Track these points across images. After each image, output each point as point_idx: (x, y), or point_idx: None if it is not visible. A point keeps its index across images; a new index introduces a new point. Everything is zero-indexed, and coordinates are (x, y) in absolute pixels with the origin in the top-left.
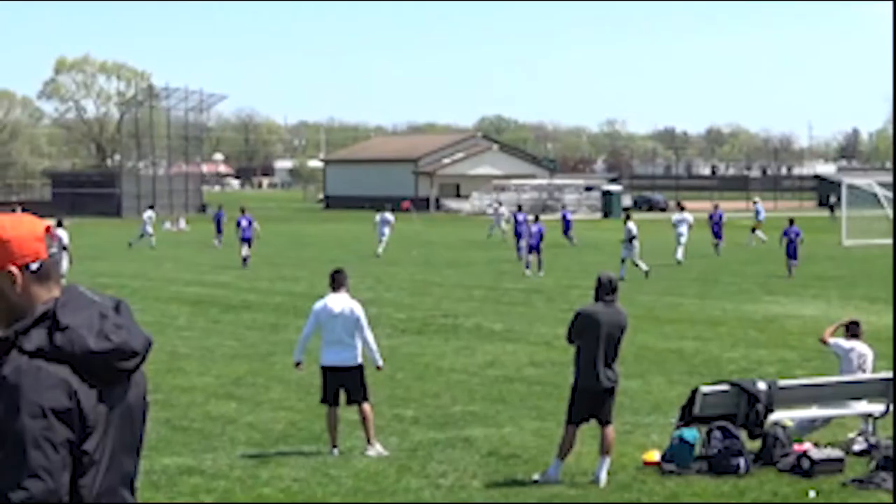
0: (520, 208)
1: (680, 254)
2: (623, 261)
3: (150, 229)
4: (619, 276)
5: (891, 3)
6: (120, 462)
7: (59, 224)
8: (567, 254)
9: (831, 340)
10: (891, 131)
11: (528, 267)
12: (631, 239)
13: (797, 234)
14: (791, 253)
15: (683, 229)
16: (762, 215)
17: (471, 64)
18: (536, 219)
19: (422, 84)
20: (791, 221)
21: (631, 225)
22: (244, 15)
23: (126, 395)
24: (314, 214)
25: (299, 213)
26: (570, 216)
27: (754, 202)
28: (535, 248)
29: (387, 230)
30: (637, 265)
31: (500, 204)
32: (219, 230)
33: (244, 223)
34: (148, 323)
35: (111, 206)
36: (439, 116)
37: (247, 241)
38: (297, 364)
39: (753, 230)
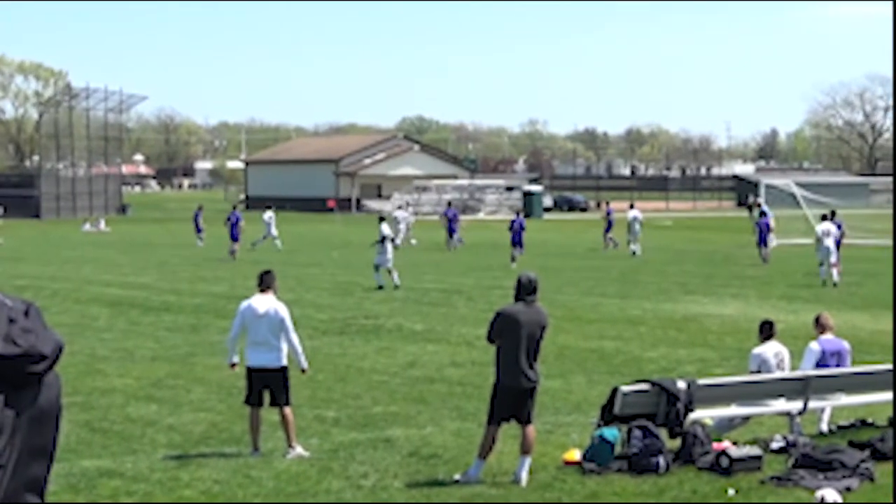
0: (449, 204)
1: (637, 248)
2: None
3: (274, 231)
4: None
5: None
6: (28, 467)
7: None
8: (486, 254)
9: (755, 351)
10: (808, 132)
11: (513, 260)
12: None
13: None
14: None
15: (637, 226)
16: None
17: (392, 65)
18: (518, 214)
19: (343, 85)
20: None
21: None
22: (164, 15)
23: (36, 400)
24: None
25: (220, 215)
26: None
27: (756, 206)
28: (518, 242)
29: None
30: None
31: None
32: (198, 230)
33: (233, 220)
34: (68, 324)
35: (30, 208)
36: (360, 117)
37: (234, 237)
38: (232, 365)
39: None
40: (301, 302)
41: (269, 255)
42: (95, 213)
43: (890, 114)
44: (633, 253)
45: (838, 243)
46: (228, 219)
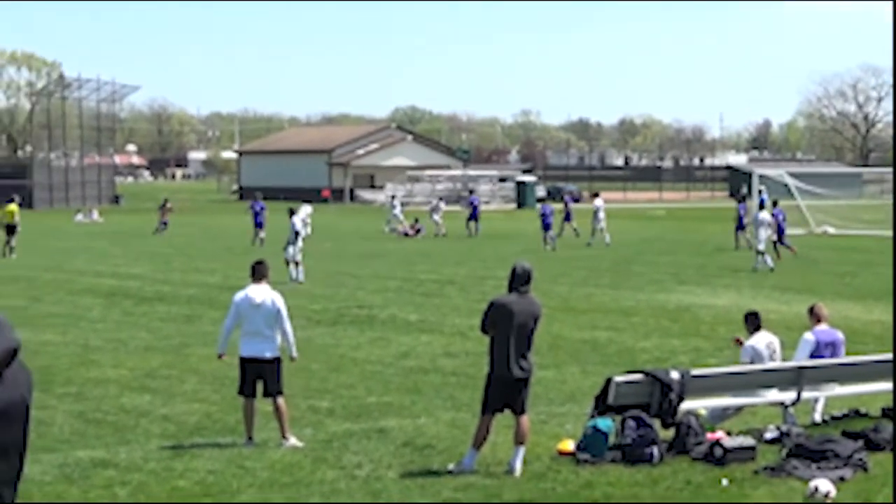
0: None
1: (608, 238)
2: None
3: (399, 214)
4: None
5: (891, 2)
6: None
7: None
8: (481, 244)
9: (747, 344)
10: (801, 122)
11: (552, 240)
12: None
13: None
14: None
15: (601, 215)
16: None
17: (385, 55)
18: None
19: (336, 75)
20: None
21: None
22: (157, 5)
23: None
24: (228, 205)
25: (213, 205)
26: (477, 202)
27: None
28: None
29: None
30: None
31: (394, 198)
32: (258, 223)
33: (257, 208)
34: (61, 315)
35: (23, 198)
36: (353, 107)
37: (260, 225)
38: (220, 356)
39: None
40: (294, 292)
41: (267, 245)
42: (88, 203)
43: (883, 104)
44: (590, 244)
45: (782, 231)
46: (252, 207)
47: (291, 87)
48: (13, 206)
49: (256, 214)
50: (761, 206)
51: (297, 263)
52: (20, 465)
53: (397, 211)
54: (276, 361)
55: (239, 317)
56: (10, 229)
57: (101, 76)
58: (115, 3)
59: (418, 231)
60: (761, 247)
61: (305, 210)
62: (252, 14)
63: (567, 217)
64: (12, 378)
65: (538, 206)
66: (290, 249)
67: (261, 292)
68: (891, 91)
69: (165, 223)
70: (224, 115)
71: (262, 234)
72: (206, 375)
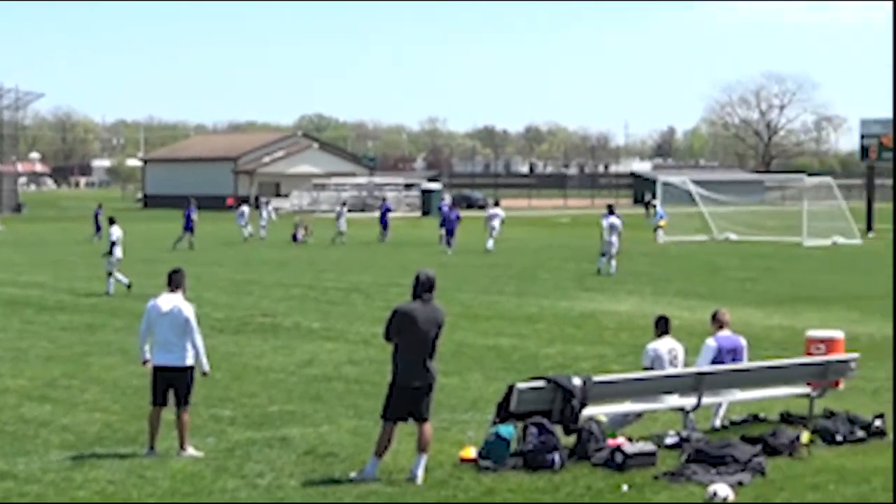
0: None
1: (490, 244)
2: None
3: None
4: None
5: (891, 2)
6: None
7: None
8: (385, 252)
9: (649, 346)
10: (704, 130)
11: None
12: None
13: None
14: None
15: (496, 223)
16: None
17: (291, 62)
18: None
19: (242, 83)
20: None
21: None
22: (61, 12)
23: None
24: (133, 214)
25: (117, 213)
26: (388, 209)
27: (649, 203)
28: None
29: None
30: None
31: (344, 204)
32: (97, 228)
33: (189, 213)
34: None
35: None
36: (260, 115)
37: (190, 229)
38: (145, 362)
39: (657, 228)
40: (199, 300)
41: (172, 254)
42: None
43: (785, 111)
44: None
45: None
46: (187, 212)
47: (197, 94)
48: None
49: (188, 219)
50: (611, 212)
51: (110, 274)
52: None
53: (263, 220)
54: (188, 371)
55: (149, 324)
56: None
57: (3, 83)
58: (19, 9)
59: (295, 238)
60: (614, 251)
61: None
62: (157, 21)
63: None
64: None
65: (442, 208)
66: (111, 259)
67: (170, 301)
68: (793, 99)
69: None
70: (129, 123)
71: (193, 239)
72: (107, 385)
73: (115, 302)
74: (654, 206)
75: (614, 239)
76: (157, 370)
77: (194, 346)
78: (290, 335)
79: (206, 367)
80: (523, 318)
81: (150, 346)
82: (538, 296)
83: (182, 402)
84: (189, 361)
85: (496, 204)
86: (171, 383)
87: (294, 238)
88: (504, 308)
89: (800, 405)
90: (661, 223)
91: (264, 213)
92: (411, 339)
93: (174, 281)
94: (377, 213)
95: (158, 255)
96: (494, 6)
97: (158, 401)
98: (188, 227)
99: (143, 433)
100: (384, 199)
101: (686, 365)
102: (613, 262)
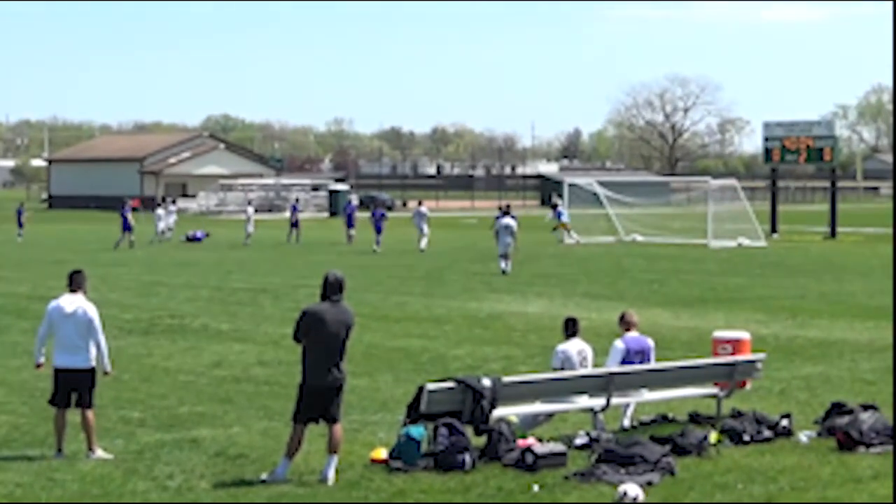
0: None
1: (424, 244)
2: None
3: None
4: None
5: (891, 2)
6: None
7: None
8: (294, 253)
9: (558, 348)
10: (610, 132)
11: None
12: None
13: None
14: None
15: (423, 224)
16: (565, 216)
17: (197, 63)
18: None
19: (148, 83)
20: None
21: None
22: None
23: None
24: (37, 215)
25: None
26: (297, 210)
27: (555, 206)
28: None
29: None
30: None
31: (250, 203)
32: (20, 225)
33: (125, 212)
34: None
35: None
36: (166, 115)
37: (128, 228)
38: (38, 366)
39: (555, 229)
40: (106, 302)
41: (77, 254)
42: None
43: (689, 114)
44: (422, 250)
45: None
46: (122, 211)
47: (102, 94)
48: None
49: (125, 218)
50: (506, 214)
51: None
52: None
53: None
54: (91, 372)
55: (51, 326)
56: None
57: None
58: None
59: (195, 238)
60: (506, 251)
61: (161, 213)
62: (61, 19)
63: (350, 223)
64: None
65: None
66: None
67: (73, 302)
68: (697, 101)
69: (21, 224)
70: (33, 123)
71: (132, 238)
72: (14, 387)
73: (21, 303)
74: (556, 206)
75: (509, 240)
76: (60, 372)
77: (98, 347)
78: (198, 336)
79: (109, 367)
80: (432, 319)
81: (47, 349)
82: (446, 297)
83: (87, 403)
84: (93, 363)
85: (420, 203)
86: (75, 386)
87: (191, 238)
88: (413, 309)
89: (707, 405)
90: (563, 224)
91: (172, 216)
92: (320, 340)
93: (75, 281)
94: (287, 214)
95: (67, 256)
96: (399, 6)
97: (61, 403)
98: (126, 227)
99: (51, 435)
100: (297, 200)
101: (595, 366)
102: (510, 262)
